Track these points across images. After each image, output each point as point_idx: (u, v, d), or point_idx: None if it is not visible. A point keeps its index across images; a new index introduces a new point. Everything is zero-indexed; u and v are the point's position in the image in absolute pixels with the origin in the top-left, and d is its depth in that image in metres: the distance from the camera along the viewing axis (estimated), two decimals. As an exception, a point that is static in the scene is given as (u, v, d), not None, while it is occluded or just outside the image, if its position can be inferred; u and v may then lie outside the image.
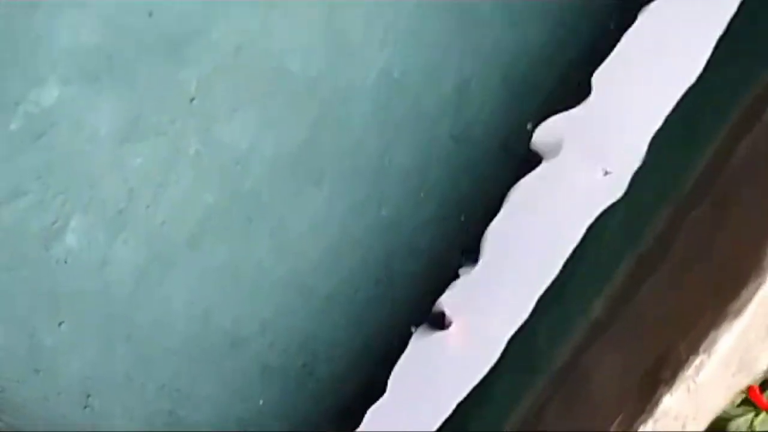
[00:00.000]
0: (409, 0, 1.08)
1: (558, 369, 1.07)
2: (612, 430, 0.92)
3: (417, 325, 1.19)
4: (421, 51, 1.11)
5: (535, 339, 1.12)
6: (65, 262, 1.07)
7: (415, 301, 1.21)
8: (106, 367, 1.13)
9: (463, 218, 1.19)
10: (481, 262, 1.13)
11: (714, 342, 0.91)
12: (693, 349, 0.91)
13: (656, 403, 0.91)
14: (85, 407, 1.12)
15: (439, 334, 1.15)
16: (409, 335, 1.18)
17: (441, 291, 1.17)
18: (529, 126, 1.15)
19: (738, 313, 0.91)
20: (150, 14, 1.00)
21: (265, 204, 1.12)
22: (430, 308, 1.18)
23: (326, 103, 1.10)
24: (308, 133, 1.11)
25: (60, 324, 1.09)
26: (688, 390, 0.91)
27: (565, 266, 1.11)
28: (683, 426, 0.91)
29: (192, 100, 1.06)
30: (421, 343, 1.16)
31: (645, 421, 0.91)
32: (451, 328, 1.14)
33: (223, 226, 1.11)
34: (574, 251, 1.11)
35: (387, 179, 1.14)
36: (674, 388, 0.91)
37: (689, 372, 0.91)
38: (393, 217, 1.16)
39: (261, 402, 1.19)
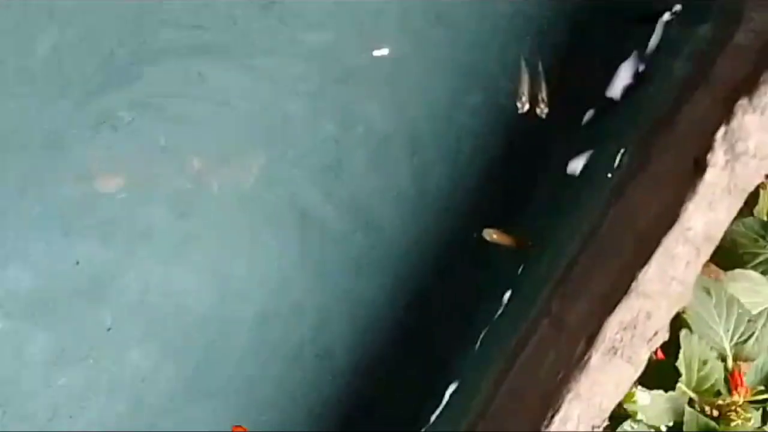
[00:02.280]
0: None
1: None
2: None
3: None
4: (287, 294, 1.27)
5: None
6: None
7: None
8: None
9: None
10: None
11: None
12: None
13: None
14: None
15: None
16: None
17: None
18: None
19: None
20: (77, 263, 1.26)
21: (167, 411, 1.27)
22: None
23: (213, 332, 1.27)
24: (201, 357, 1.28)
25: None
26: None
27: None
28: None
29: (108, 329, 1.27)
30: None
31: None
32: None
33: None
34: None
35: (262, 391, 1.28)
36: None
37: None
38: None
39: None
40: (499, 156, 1.27)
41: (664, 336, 0.91)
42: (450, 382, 1.23)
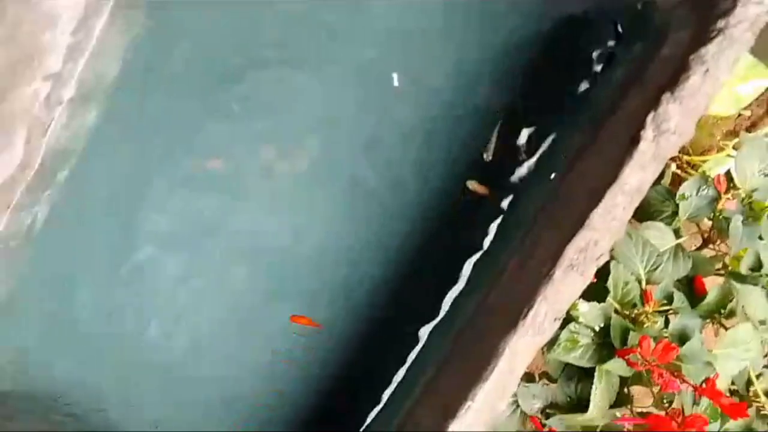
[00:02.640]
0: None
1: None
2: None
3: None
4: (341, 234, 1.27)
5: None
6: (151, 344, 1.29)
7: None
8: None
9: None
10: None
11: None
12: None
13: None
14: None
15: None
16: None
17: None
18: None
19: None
20: (199, 211, 1.26)
21: (252, 311, 1.27)
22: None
23: (287, 262, 1.28)
24: (277, 277, 1.28)
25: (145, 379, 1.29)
26: None
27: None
28: None
29: (218, 256, 1.26)
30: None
31: None
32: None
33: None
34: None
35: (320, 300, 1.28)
36: None
37: None
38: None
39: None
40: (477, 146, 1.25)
41: (605, 257, 0.90)
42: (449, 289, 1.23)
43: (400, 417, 1.06)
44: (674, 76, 0.85)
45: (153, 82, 1.20)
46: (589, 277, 0.87)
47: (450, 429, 0.89)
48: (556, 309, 0.88)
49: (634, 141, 0.85)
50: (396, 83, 1.22)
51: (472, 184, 1.21)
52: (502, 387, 0.89)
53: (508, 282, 0.96)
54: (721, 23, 0.82)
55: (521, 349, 0.88)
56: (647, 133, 0.84)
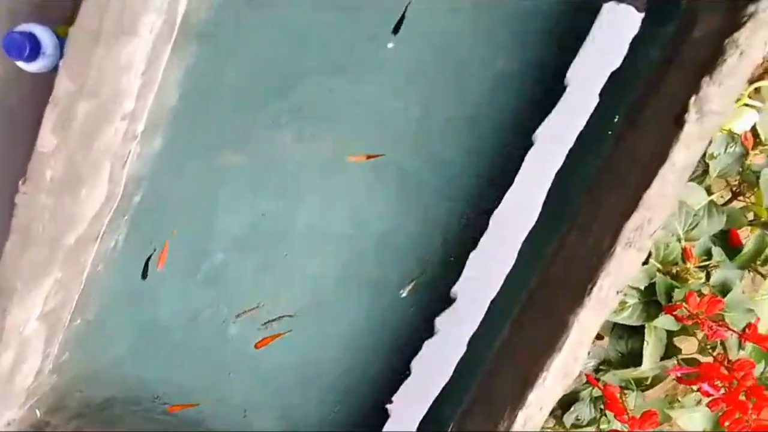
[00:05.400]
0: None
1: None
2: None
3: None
4: (397, 216, 1.33)
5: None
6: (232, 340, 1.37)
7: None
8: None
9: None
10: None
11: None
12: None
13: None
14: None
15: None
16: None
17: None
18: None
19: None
20: (263, 215, 1.33)
21: (333, 279, 1.35)
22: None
23: (350, 246, 1.35)
24: (348, 253, 1.35)
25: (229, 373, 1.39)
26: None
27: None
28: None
29: (286, 256, 1.34)
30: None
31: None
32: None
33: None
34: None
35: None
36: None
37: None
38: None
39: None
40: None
41: (659, 233, 0.95)
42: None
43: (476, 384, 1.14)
44: (711, 59, 0.88)
45: (206, 104, 1.23)
46: (646, 251, 0.94)
47: (529, 396, 0.98)
48: (618, 283, 0.94)
49: (679, 123, 0.90)
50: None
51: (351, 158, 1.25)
52: (574, 356, 0.97)
53: (568, 255, 1.02)
54: (751, 8, 0.85)
55: (588, 321, 0.95)
56: (691, 116, 0.89)
